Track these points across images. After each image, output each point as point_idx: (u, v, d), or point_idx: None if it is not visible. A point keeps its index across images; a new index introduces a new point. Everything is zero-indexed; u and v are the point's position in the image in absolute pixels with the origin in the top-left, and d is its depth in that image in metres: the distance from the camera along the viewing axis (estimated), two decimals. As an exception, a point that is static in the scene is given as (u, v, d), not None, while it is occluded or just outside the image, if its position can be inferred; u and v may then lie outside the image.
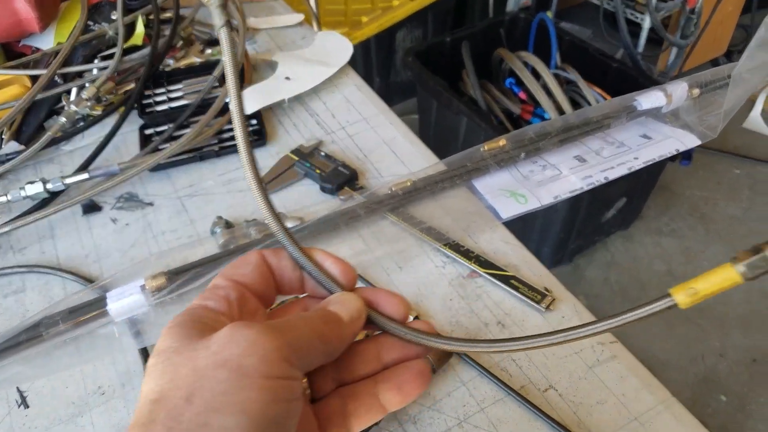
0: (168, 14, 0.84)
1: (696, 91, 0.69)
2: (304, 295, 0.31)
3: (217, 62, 0.76)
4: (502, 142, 0.62)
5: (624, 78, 1.70)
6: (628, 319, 0.25)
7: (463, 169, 0.61)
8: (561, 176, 0.61)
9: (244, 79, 0.76)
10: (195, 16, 0.87)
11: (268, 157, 0.68)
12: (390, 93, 2.29)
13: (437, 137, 1.94)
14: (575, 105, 1.74)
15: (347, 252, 0.56)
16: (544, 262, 1.86)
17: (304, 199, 0.63)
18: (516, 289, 0.51)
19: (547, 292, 0.50)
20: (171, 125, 0.70)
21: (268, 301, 0.29)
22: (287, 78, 0.76)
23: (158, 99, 0.76)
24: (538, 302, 0.50)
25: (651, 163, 0.62)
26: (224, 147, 0.69)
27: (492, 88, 1.78)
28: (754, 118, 2.25)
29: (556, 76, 1.79)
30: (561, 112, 1.63)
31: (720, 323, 1.59)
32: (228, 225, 0.59)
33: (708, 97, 0.70)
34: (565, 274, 1.72)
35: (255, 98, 0.72)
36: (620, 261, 1.75)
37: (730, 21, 2.27)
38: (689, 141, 0.64)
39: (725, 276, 0.23)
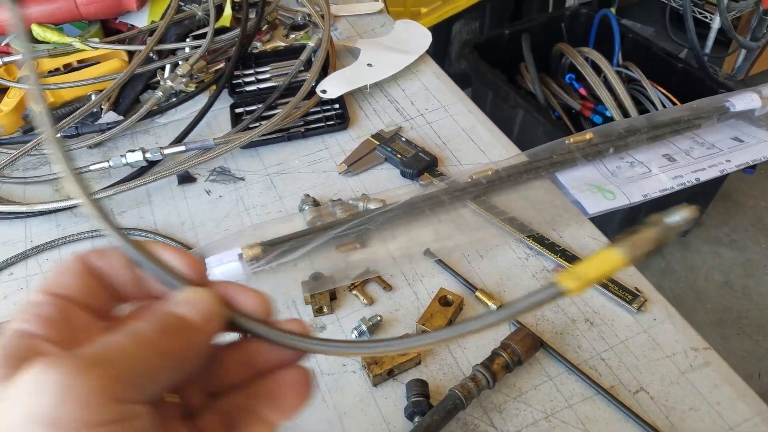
0: (253, -2, 0.87)
1: (792, 95, 0.67)
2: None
3: (303, 47, 0.78)
4: (588, 135, 0.62)
5: (689, 79, 1.65)
6: (517, 309, 0.23)
7: (548, 161, 0.62)
8: (650, 174, 0.60)
9: (329, 65, 0.78)
10: (280, 1, 0.89)
11: (349, 141, 0.70)
12: (444, 85, 2.29)
13: (492, 131, 1.93)
14: (638, 105, 1.70)
15: (429, 237, 0.57)
16: None
17: (386, 182, 0.64)
18: (606, 287, 0.51)
19: (638, 293, 0.50)
20: (260, 105, 0.72)
21: (103, 313, 0.24)
22: (369, 65, 0.77)
23: (247, 80, 0.79)
24: (629, 302, 0.50)
25: (744, 167, 0.60)
26: (310, 129, 0.71)
27: (551, 83, 1.76)
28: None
29: (618, 74, 1.76)
30: (623, 110, 1.60)
31: (778, 339, 1.54)
32: (315, 203, 0.61)
33: (803, 101, 0.68)
34: (616, 277, 1.69)
35: (338, 83, 0.74)
36: (676, 269, 1.71)
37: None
38: (785, 146, 0.62)
39: (607, 258, 0.23)
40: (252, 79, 0.79)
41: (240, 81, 0.79)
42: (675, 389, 0.45)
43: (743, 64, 1.99)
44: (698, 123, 0.64)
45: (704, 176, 0.59)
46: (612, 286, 0.51)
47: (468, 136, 0.70)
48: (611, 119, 1.63)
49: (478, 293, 0.52)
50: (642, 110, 1.73)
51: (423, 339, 0.26)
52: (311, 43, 0.77)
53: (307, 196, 0.61)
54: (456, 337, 0.28)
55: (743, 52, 1.97)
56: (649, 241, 0.23)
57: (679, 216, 0.23)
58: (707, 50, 1.91)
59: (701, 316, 1.59)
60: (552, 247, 0.55)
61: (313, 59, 0.76)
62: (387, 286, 0.54)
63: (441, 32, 2.13)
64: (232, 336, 0.25)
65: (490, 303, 0.51)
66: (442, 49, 2.18)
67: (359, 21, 0.91)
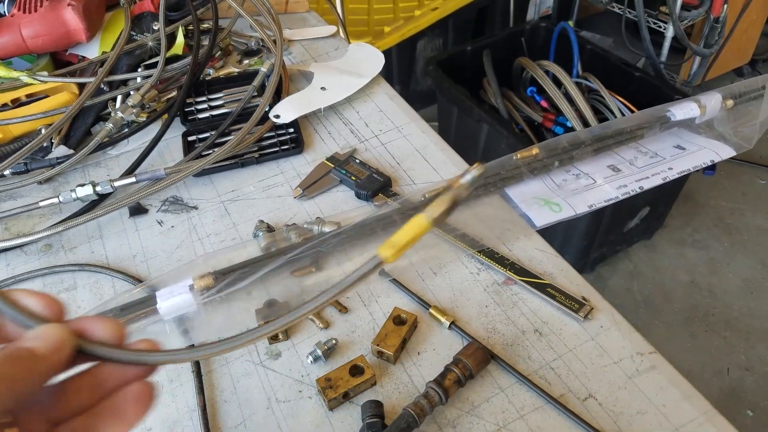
0: (207, 25, 0.87)
1: (730, 102, 0.70)
2: None
3: (256, 72, 0.79)
4: (535, 150, 0.63)
5: (647, 88, 1.70)
6: (344, 285, 0.26)
7: (497, 177, 0.63)
8: (595, 185, 0.62)
9: (282, 89, 0.79)
10: (233, 27, 0.90)
11: (304, 164, 0.70)
12: (410, 101, 2.29)
13: (457, 145, 1.93)
14: (597, 114, 1.75)
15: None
16: None
17: (341, 205, 0.65)
18: (553, 297, 0.52)
19: (584, 302, 0.51)
20: (213, 132, 0.72)
21: None
22: (323, 88, 0.78)
23: (200, 107, 0.79)
24: (576, 311, 0.50)
25: (686, 173, 0.63)
26: (264, 154, 0.71)
27: (513, 96, 1.79)
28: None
29: (578, 85, 1.80)
30: (583, 120, 1.64)
31: (745, 336, 1.57)
32: (269, 229, 0.61)
33: (742, 108, 0.71)
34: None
35: (292, 108, 0.74)
36: (643, 271, 1.74)
37: (754, 29, 2.25)
38: (724, 152, 0.65)
39: (415, 224, 0.26)
40: (205, 106, 0.79)
41: (192, 108, 0.79)
42: (622, 394, 0.45)
43: (698, 70, 2.06)
44: (641, 133, 0.66)
45: (647, 184, 0.61)
46: (559, 296, 0.52)
47: (421, 155, 0.71)
48: (572, 129, 1.67)
49: (431, 310, 0.52)
50: (602, 119, 1.77)
51: (240, 338, 0.28)
52: (264, 69, 0.78)
53: (262, 222, 0.61)
54: (285, 324, 0.30)
55: (698, 58, 2.04)
56: (446, 202, 0.26)
57: (470, 175, 0.26)
58: (663, 58, 1.98)
59: (670, 316, 1.62)
60: (502, 261, 0.56)
61: (266, 84, 0.77)
62: (343, 309, 0.54)
63: (405, 50, 2.16)
64: (84, 365, 0.27)
65: (443, 319, 0.52)
66: (407, 66, 2.21)
67: (313, 45, 0.92)
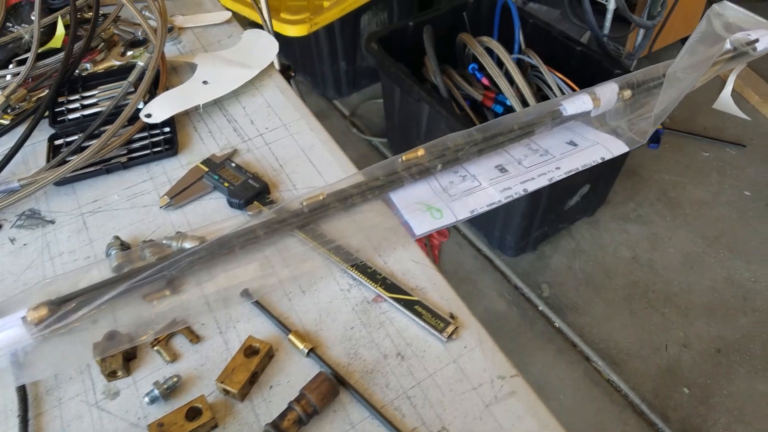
0: (90, 14, 0.80)
1: (627, 93, 0.67)
2: None
3: (134, 66, 0.72)
4: (420, 152, 0.59)
5: (588, 62, 1.67)
6: None
7: (379, 182, 0.59)
8: (479, 188, 0.58)
9: (158, 85, 0.72)
10: (118, 14, 0.83)
11: (179, 168, 0.65)
12: (357, 77, 2.24)
13: (401, 124, 1.91)
14: (539, 90, 1.71)
15: (251, 274, 0.53)
16: (507, 251, 1.82)
17: (213, 214, 0.60)
18: (420, 315, 0.48)
19: (451, 320, 0.48)
20: (81, 135, 0.66)
21: None
22: (205, 82, 0.72)
23: (72, 106, 0.72)
24: (440, 331, 0.47)
25: (573, 173, 0.59)
26: (132, 158, 0.65)
27: (454, 74, 1.74)
28: (724, 98, 2.23)
29: (521, 62, 1.76)
30: (522, 99, 1.60)
31: (684, 312, 1.59)
32: (124, 246, 0.56)
33: (641, 98, 0.68)
34: (529, 262, 1.71)
35: (166, 105, 0.68)
36: (585, 248, 1.75)
37: (700, -1, 2.23)
38: (616, 148, 0.62)
39: None
40: (77, 105, 0.72)
41: (64, 108, 0.72)
42: (477, 425, 0.43)
43: (643, 41, 2.03)
44: (532, 130, 0.62)
45: (532, 186, 0.58)
46: (426, 314, 0.49)
47: (307, 156, 0.66)
48: (511, 108, 1.63)
49: (291, 336, 0.49)
50: (543, 96, 1.74)
51: None
52: (141, 62, 0.72)
53: (116, 238, 0.56)
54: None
55: (642, 30, 2.01)
56: None
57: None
58: (606, 31, 1.94)
59: (610, 293, 1.63)
60: (374, 276, 0.52)
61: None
62: (194, 338, 0.49)
63: (348, 25, 2.08)
64: None
65: (301, 345, 0.48)
66: (351, 42, 2.13)
67: (206, 32, 0.85)
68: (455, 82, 1.73)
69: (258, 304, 0.51)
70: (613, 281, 1.67)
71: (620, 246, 1.75)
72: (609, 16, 1.90)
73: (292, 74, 1.39)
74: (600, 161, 0.60)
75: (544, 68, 1.64)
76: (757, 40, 0.80)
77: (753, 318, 1.57)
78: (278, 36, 0.85)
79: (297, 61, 2.36)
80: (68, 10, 0.78)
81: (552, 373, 1.49)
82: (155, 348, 0.49)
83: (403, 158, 0.59)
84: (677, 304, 1.61)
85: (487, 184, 0.58)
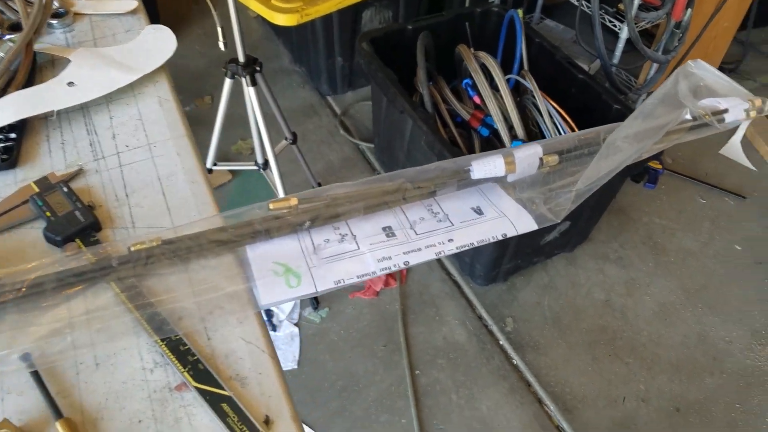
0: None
1: (554, 159, 0.60)
2: None
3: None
4: (293, 201, 0.53)
5: (588, 91, 1.58)
6: None
7: (227, 235, 0.52)
8: (356, 253, 0.52)
9: (15, 81, 0.64)
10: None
11: (12, 184, 0.56)
12: (353, 75, 2.17)
13: (386, 134, 1.83)
14: (534, 115, 1.63)
15: (40, 332, 0.45)
16: (477, 279, 1.73)
17: (29, 249, 0.51)
18: (224, 417, 0.41)
19: (264, 426, 0.41)
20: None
21: None
22: (70, 83, 0.64)
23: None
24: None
25: (465, 249, 0.53)
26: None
27: (444, 88, 1.66)
28: (734, 145, 2.12)
29: (518, 83, 1.67)
30: (509, 125, 1.52)
31: (649, 365, 1.52)
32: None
33: (569, 166, 0.61)
34: (498, 294, 1.64)
35: (14, 106, 0.60)
36: (558, 285, 1.67)
37: (724, 37, 2.11)
38: (522, 225, 0.55)
39: None
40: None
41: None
42: None
43: (655, 75, 1.93)
44: (432, 190, 0.55)
45: (414, 260, 0.51)
46: (233, 416, 0.41)
47: (161, 186, 0.58)
48: (498, 133, 1.55)
49: (58, 424, 0.41)
50: (535, 123, 1.65)
51: None
52: (1, 53, 0.65)
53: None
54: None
55: (655, 64, 1.90)
56: None
57: None
58: (616, 60, 1.84)
59: (576, 336, 1.56)
60: (184, 357, 0.44)
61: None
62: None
63: (347, 20, 2.00)
64: None
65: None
66: (350, 38, 2.05)
67: (104, 22, 0.77)
68: (444, 97, 1.65)
69: (36, 375, 0.43)
70: (581, 323, 1.59)
71: (594, 287, 1.67)
72: (620, 45, 1.80)
73: (258, 69, 1.32)
74: (501, 238, 0.53)
75: (538, 94, 1.55)
76: (726, 111, 0.72)
77: (720, 380, 1.49)
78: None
79: (293, 49, 2.29)
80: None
81: (500, 412, 1.42)
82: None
83: (271, 206, 0.53)
84: (643, 355, 1.53)
85: (366, 249, 0.52)
